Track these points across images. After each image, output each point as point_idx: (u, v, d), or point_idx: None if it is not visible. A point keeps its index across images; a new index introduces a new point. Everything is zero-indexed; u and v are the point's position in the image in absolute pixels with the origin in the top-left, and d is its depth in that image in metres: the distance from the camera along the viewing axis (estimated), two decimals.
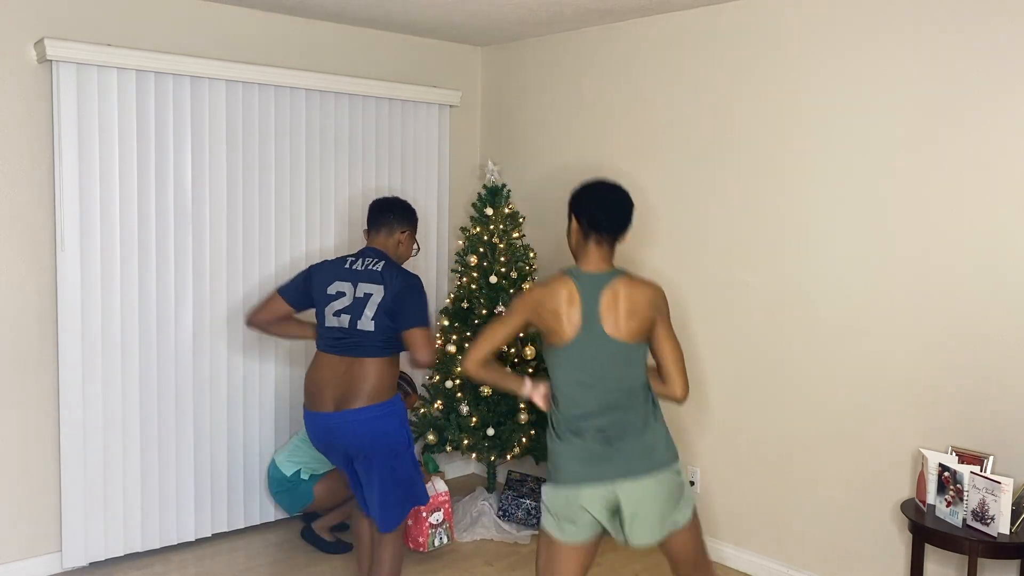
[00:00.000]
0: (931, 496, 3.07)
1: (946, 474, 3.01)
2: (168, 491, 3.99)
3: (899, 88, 3.32)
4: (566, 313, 2.48)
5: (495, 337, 2.56)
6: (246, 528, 4.26)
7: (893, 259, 3.37)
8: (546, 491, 2.57)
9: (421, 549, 4.00)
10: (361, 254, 3.22)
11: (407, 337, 3.06)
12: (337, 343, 3.13)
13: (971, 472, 2.94)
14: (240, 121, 4.08)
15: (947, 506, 3.00)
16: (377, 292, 3.08)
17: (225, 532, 4.19)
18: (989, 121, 3.10)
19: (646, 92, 4.21)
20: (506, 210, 4.41)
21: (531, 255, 4.44)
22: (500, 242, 4.37)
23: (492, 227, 4.38)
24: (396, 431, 3.15)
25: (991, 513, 2.87)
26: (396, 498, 3.18)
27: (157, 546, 3.99)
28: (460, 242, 4.50)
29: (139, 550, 3.94)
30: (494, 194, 4.42)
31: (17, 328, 3.62)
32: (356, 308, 3.09)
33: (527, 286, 2.53)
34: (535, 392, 2.64)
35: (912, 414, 3.34)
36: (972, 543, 2.86)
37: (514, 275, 4.35)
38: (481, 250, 4.36)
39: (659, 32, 4.13)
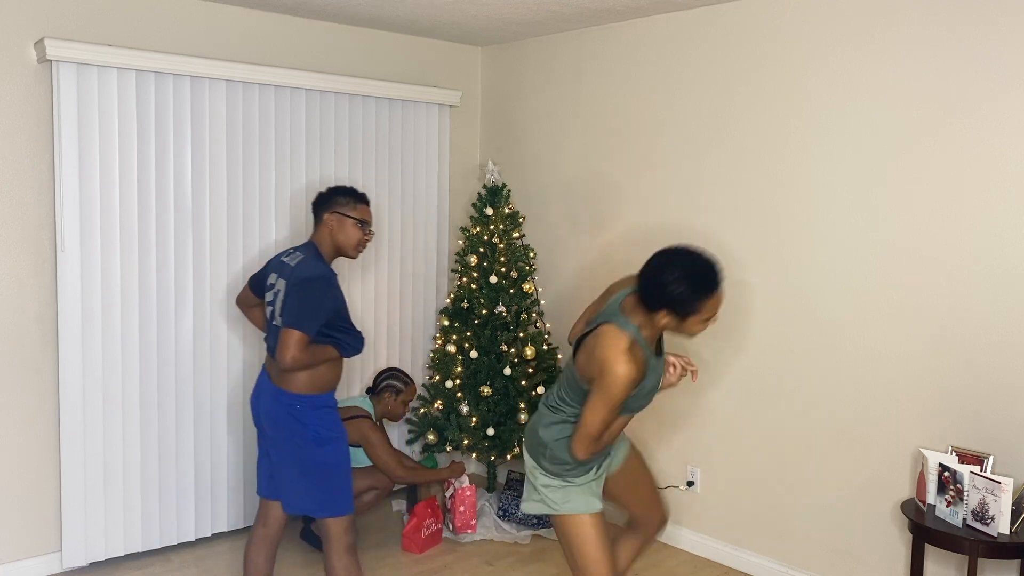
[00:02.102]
0: (931, 496, 3.07)
1: (946, 474, 3.01)
2: (168, 491, 3.99)
3: (899, 88, 3.32)
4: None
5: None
6: (246, 528, 4.25)
7: (893, 259, 3.37)
8: (580, 477, 2.66)
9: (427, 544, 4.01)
10: (297, 247, 3.20)
11: (280, 334, 2.93)
12: (266, 337, 3.18)
13: (971, 472, 2.94)
14: (240, 121, 4.08)
15: (947, 506, 3.00)
16: (283, 287, 3.06)
17: (225, 532, 4.19)
18: (989, 121, 3.10)
19: (646, 92, 4.21)
20: (506, 210, 4.41)
21: (531, 255, 4.44)
22: (500, 242, 4.37)
23: (492, 227, 4.38)
24: (304, 423, 3.02)
25: (991, 513, 2.87)
26: (303, 486, 3.06)
27: (157, 546, 3.99)
28: (460, 242, 4.50)
29: (139, 550, 3.94)
30: (494, 194, 4.42)
31: (17, 328, 3.63)
32: (275, 301, 3.09)
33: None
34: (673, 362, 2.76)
35: (912, 414, 3.34)
36: (972, 543, 2.86)
37: (514, 275, 4.35)
38: (481, 250, 4.36)
39: (659, 32, 4.13)
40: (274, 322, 3.06)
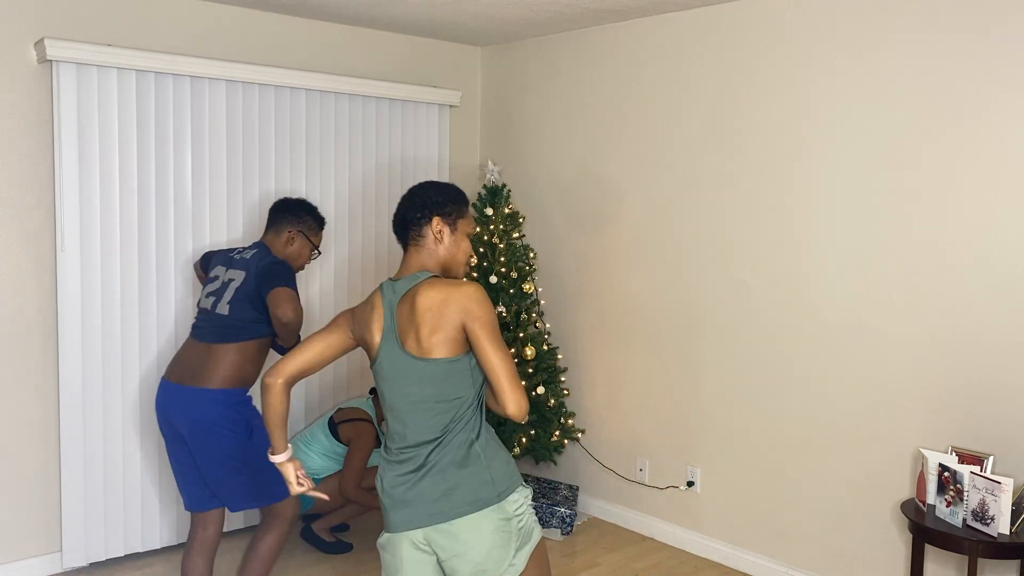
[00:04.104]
0: (931, 496, 3.07)
1: (946, 474, 3.01)
2: (168, 491, 3.99)
3: (900, 88, 3.32)
4: (372, 325, 2.18)
5: (309, 348, 2.23)
6: (246, 528, 4.25)
7: (894, 259, 3.37)
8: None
9: None
10: (250, 246, 3.29)
11: (270, 298, 2.99)
12: (196, 327, 3.19)
13: (971, 472, 2.94)
14: (240, 121, 4.08)
15: (947, 506, 3.00)
16: (239, 278, 3.13)
17: (225, 532, 4.17)
18: (991, 121, 3.10)
19: (646, 92, 4.21)
20: (506, 210, 4.41)
21: (531, 255, 4.44)
22: (500, 242, 4.37)
23: (492, 227, 4.38)
24: (227, 419, 3.04)
25: (991, 513, 2.87)
26: (239, 482, 3.09)
27: (157, 546, 3.99)
28: None
29: (139, 550, 3.94)
30: (494, 194, 4.42)
31: (17, 328, 3.62)
32: (220, 292, 3.15)
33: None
34: (289, 463, 2.33)
35: (912, 414, 3.34)
36: (972, 543, 2.86)
37: (514, 275, 4.35)
38: (481, 250, 4.36)
39: (659, 32, 4.13)
40: (217, 311, 3.13)
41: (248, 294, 3.09)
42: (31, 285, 3.64)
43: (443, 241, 2.23)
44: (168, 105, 3.87)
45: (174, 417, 3.10)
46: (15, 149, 3.58)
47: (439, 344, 2.09)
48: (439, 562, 2.16)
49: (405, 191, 2.29)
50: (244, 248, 3.29)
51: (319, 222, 3.38)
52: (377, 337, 2.17)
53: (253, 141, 4.14)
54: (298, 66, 4.28)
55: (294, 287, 3.07)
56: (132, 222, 3.80)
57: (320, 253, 3.45)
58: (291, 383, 2.25)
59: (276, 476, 3.06)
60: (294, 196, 3.62)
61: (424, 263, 2.22)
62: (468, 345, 2.12)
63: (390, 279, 2.23)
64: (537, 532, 2.20)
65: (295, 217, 3.30)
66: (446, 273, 2.26)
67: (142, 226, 3.83)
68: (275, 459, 2.32)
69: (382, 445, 2.37)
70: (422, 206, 2.22)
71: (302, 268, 3.37)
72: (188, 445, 3.10)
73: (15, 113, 3.56)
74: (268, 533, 3.15)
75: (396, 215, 2.26)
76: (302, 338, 3.19)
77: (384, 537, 2.23)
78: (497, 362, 2.08)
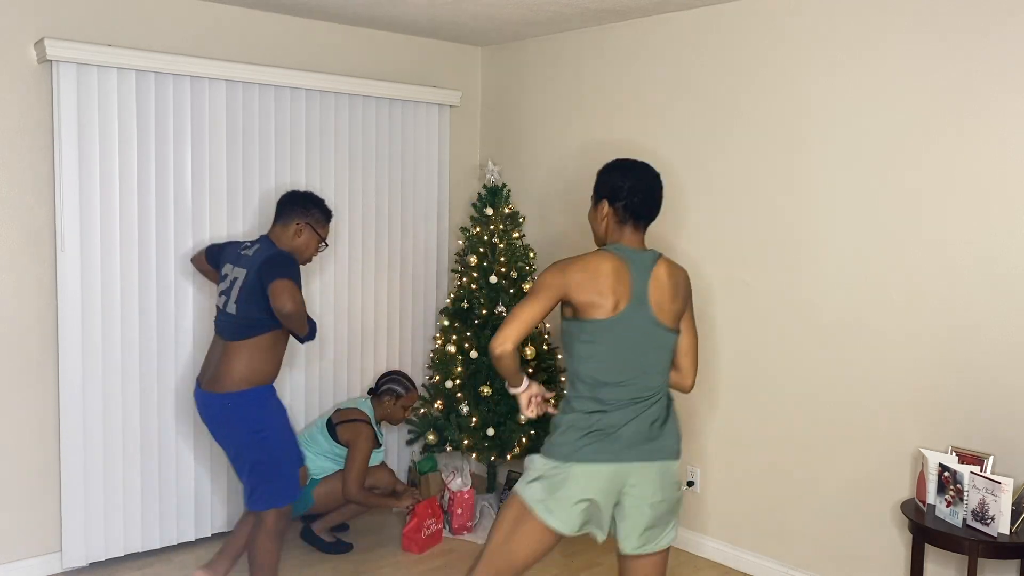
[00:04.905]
0: (931, 496, 3.07)
1: (946, 474, 3.01)
2: (168, 491, 3.99)
3: (900, 88, 3.32)
4: (612, 286, 2.36)
5: (529, 318, 2.35)
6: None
7: (894, 259, 3.37)
8: (547, 465, 2.40)
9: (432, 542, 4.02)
10: (254, 241, 3.34)
11: (270, 290, 3.04)
12: (216, 323, 3.31)
13: (971, 472, 2.94)
14: (240, 121, 4.08)
15: (947, 506, 3.00)
16: (242, 275, 3.19)
17: (225, 532, 4.18)
18: (990, 121, 3.10)
19: (646, 92, 4.21)
20: (506, 210, 4.41)
21: (531, 255, 4.44)
22: (500, 242, 4.37)
23: (492, 227, 4.38)
24: (250, 419, 3.18)
25: (991, 513, 2.87)
26: (252, 482, 3.24)
27: (157, 546, 3.99)
28: (460, 242, 4.50)
29: (139, 550, 3.94)
30: (494, 194, 4.42)
31: (17, 328, 3.62)
32: (228, 291, 3.23)
33: (556, 264, 2.45)
34: (526, 392, 2.52)
35: (912, 414, 3.34)
36: (972, 543, 2.86)
37: (514, 275, 4.35)
38: (481, 250, 4.36)
39: (659, 32, 4.13)
40: (227, 310, 3.21)
41: (251, 291, 3.14)
42: (31, 285, 3.64)
43: None
44: (168, 105, 3.87)
45: (205, 419, 3.31)
46: (15, 149, 3.57)
47: (675, 317, 2.45)
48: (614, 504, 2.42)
49: (641, 175, 2.50)
50: (250, 243, 3.34)
51: (326, 215, 3.43)
52: (617, 300, 2.36)
53: (253, 141, 4.13)
54: (298, 66, 4.28)
55: (295, 278, 3.09)
56: (132, 222, 3.80)
57: (327, 245, 3.49)
58: (516, 346, 2.40)
59: (282, 476, 3.22)
60: (302, 189, 3.67)
61: (644, 242, 2.50)
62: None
63: (624, 247, 2.44)
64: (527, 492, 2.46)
65: (303, 209, 3.35)
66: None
67: (142, 226, 3.83)
68: (515, 391, 2.53)
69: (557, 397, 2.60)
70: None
71: (310, 260, 3.41)
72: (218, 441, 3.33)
73: (15, 113, 3.56)
74: (255, 540, 3.26)
75: (650, 193, 2.48)
76: (315, 323, 3.29)
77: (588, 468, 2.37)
78: (696, 340, 2.56)
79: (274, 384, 3.29)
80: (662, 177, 2.55)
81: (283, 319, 3.08)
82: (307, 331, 3.21)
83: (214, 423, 3.28)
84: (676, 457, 2.48)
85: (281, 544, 3.30)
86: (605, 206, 2.51)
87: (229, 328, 3.22)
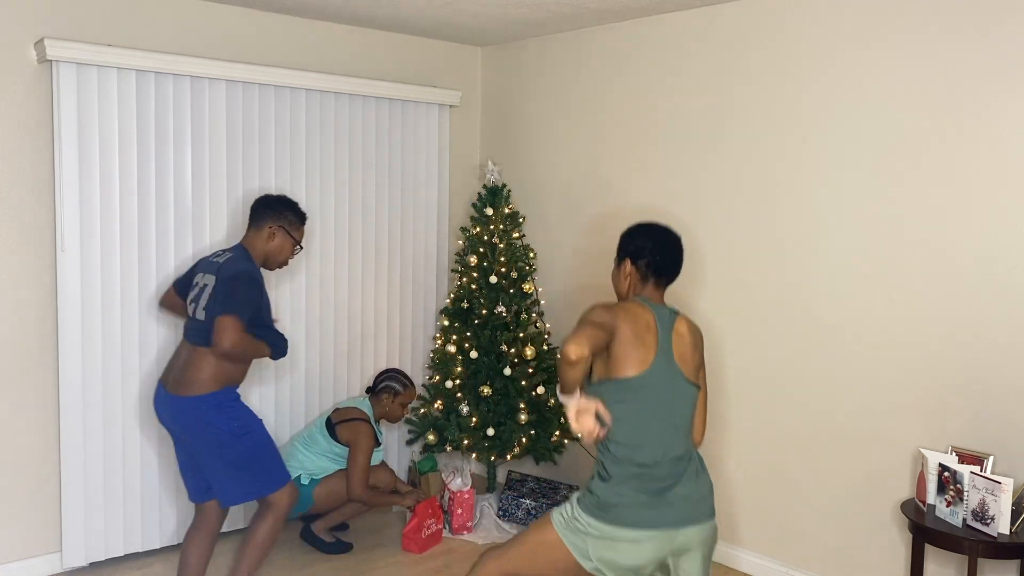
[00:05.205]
0: (931, 496, 3.07)
1: (946, 474, 3.01)
2: (168, 491, 3.99)
3: (900, 88, 3.32)
4: (643, 339, 2.39)
5: (593, 335, 2.28)
6: (246, 528, 4.25)
7: (893, 259, 3.37)
8: (593, 522, 2.37)
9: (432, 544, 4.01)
10: (228, 249, 3.35)
11: (215, 323, 3.03)
12: (184, 327, 3.31)
13: (971, 472, 2.94)
14: (240, 121, 4.08)
15: (947, 506, 3.00)
16: (211, 282, 3.19)
17: (225, 532, 4.16)
18: (990, 121, 3.10)
19: (645, 92, 4.21)
20: (506, 210, 4.41)
21: (531, 255, 4.44)
22: (500, 242, 4.37)
23: (492, 227, 4.38)
24: (216, 422, 3.14)
25: (991, 513, 2.87)
26: (235, 477, 3.21)
27: (157, 546, 3.99)
28: (460, 242, 4.50)
29: (139, 550, 3.94)
30: (494, 194, 4.42)
31: (17, 328, 3.62)
32: (198, 298, 3.23)
33: (598, 304, 2.41)
34: (577, 402, 2.30)
35: (912, 414, 3.34)
36: (972, 543, 2.86)
37: (514, 275, 4.35)
38: (481, 250, 4.36)
39: (659, 32, 4.13)
40: (196, 316, 3.20)
41: (215, 299, 3.14)
42: (31, 285, 3.64)
43: None
44: (168, 105, 3.87)
45: (166, 420, 3.27)
46: (15, 149, 3.57)
47: (696, 371, 2.51)
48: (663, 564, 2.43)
49: (663, 236, 2.59)
50: (223, 251, 3.33)
51: (300, 217, 3.41)
52: (647, 351, 2.39)
53: (253, 141, 4.13)
54: (298, 66, 4.28)
55: (242, 312, 3.05)
56: (132, 222, 3.80)
57: (302, 248, 3.46)
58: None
59: (266, 467, 3.23)
60: (275, 192, 3.71)
61: (664, 299, 2.56)
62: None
63: (649, 300, 2.51)
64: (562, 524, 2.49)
65: (276, 213, 3.34)
66: None
67: (142, 226, 3.83)
68: (566, 398, 2.36)
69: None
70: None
71: (285, 263, 3.40)
72: (182, 442, 3.27)
73: (15, 113, 3.56)
74: (263, 521, 3.26)
75: (672, 253, 2.57)
76: (286, 339, 3.35)
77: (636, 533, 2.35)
78: (707, 396, 2.61)
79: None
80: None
81: (219, 356, 3.08)
82: (270, 353, 3.26)
83: (181, 424, 3.20)
84: (714, 515, 2.48)
85: (280, 530, 3.32)
86: (628, 265, 2.57)
87: (197, 333, 3.17)
